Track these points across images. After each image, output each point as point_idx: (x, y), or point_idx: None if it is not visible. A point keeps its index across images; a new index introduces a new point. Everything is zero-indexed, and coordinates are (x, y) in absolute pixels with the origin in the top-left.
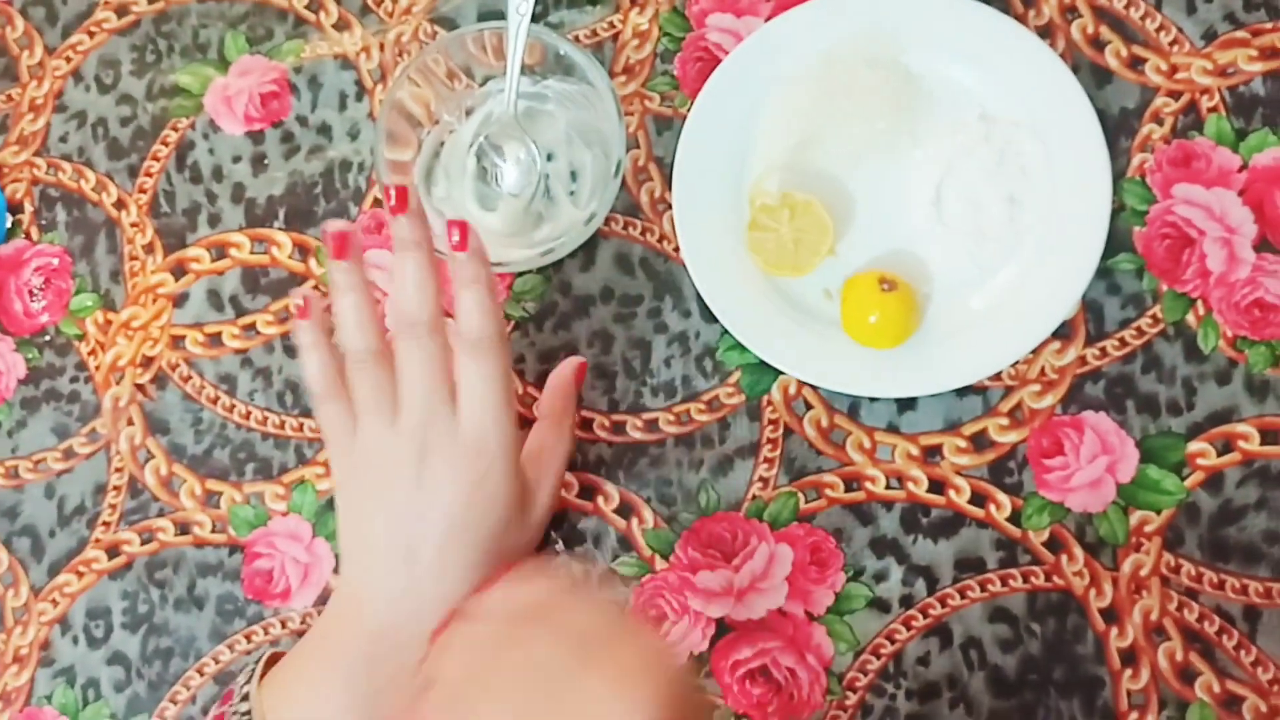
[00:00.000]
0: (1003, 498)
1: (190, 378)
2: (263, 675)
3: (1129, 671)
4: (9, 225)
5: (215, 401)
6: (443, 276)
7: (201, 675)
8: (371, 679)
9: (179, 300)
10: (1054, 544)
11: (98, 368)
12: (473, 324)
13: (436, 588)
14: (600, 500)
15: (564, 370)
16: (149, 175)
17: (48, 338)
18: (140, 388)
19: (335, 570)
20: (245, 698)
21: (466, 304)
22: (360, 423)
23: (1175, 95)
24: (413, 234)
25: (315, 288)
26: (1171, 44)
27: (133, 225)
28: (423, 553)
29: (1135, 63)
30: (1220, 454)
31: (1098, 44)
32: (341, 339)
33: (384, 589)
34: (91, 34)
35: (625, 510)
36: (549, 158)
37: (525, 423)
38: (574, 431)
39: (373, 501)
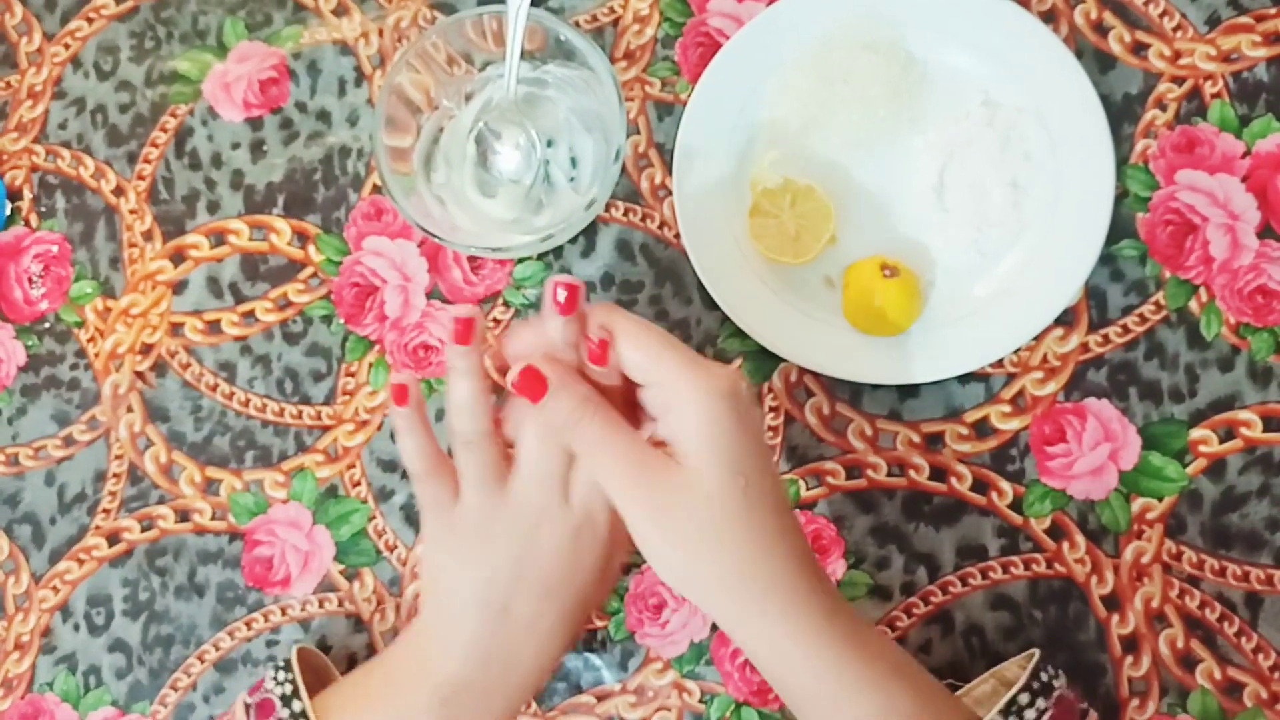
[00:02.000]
0: (1005, 485)
1: (190, 365)
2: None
3: (1130, 658)
4: (8, 212)
5: (215, 389)
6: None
7: (202, 662)
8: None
9: (178, 287)
10: (1056, 531)
11: (97, 355)
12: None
13: (524, 644)
14: None
15: None
16: (148, 162)
17: (47, 325)
18: (140, 375)
19: (335, 559)
20: (302, 714)
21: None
22: (465, 493)
23: (1179, 81)
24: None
25: (314, 274)
26: (1175, 29)
27: (132, 212)
28: (517, 610)
29: (1139, 48)
30: (1222, 441)
31: (1101, 29)
32: (453, 421)
33: (471, 641)
34: (90, 20)
35: None
36: (549, 144)
37: None
38: None
39: (470, 560)
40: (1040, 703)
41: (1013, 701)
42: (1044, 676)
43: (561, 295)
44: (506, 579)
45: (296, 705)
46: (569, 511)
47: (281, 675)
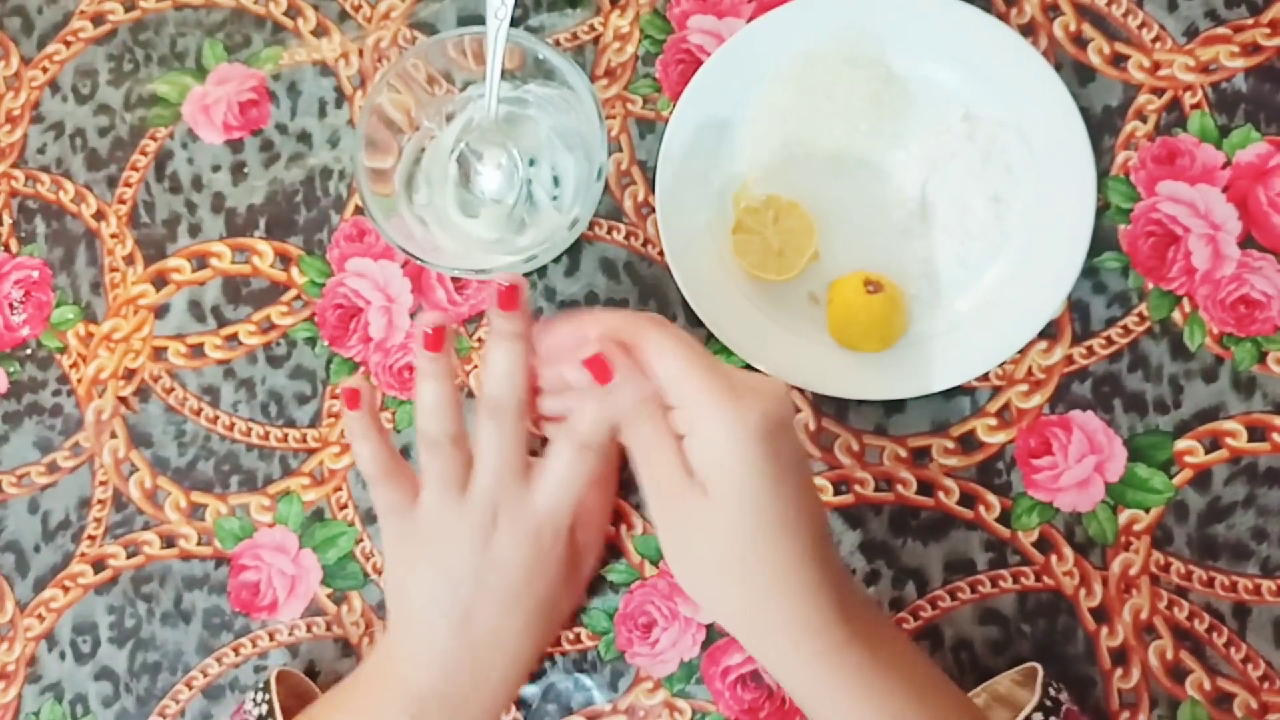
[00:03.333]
0: (992, 498)
1: (173, 389)
2: (285, 709)
3: (1120, 671)
4: None
5: (199, 413)
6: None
7: (190, 689)
8: None
9: (160, 311)
10: (1043, 544)
11: (80, 381)
12: (579, 419)
13: (490, 653)
14: None
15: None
16: (128, 186)
17: (29, 351)
18: (123, 400)
19: (322, 583)
20: None
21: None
22: (425, 495)
23: (1158, 92)
24: (512, 327)
25: (298, 297)
26: (1154, 41)
27: (112, 236)
28: (480, 618)
29: (1118, 60)
30: (1208, 451)
31: (1080, 41)
32: (421, 423)
33: (437, 652)
34: (68, 44)
35: (615, 517)
36: (531, 163)
37: None
38: (615, 493)
39: (430, 566)
40: None
41: None
42: (1051, 692)
43: (504, 294)
44: (468, 587)
45: None
46: (529, 511)
47: (260, 697)
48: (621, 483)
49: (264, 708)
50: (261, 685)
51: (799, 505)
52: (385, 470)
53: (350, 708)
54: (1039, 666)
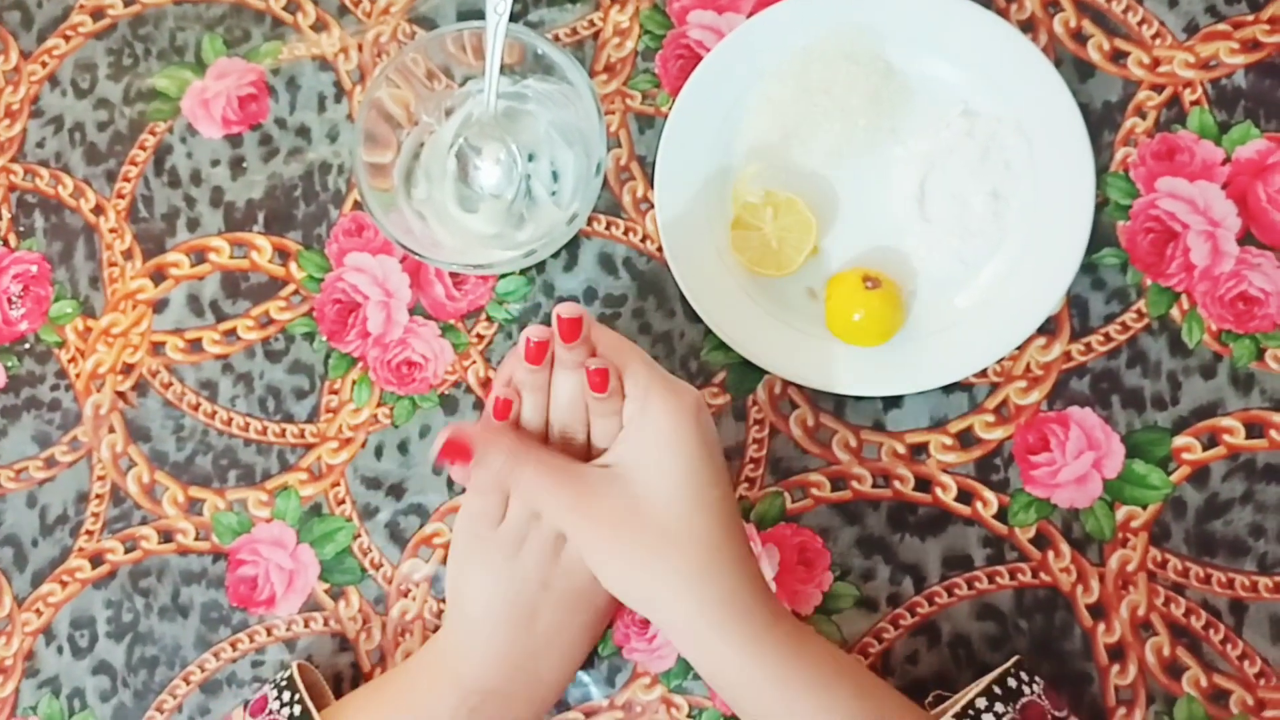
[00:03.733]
0: (989, 495)
1: (171, 384)
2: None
3: (1116, 667)
4: None
5: (197, 408)
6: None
7: (188, 684)
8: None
9: (159, 306)
10: (1041, 540)
11: (78, 375)
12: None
13: (548, 653)
14: None
15: None
16: (127, 180)
17: (27, 345)
18: (121, 395)
19: (320, 577)
20: None
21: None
22: (512, 508)
23: (1158, 89)
24: (576, 358)
25: (296, 292)
26: (1154, 37)
27: (111, 231)
28: (543, 620)
29: (1117, 56)
30: (1206, 448)
31: (1080, 38)
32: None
33: (497, 652)
34: (67, 38)
35: None
36: (530, 158)
37: None
38: None
39: (500, 569)
40: (1000, 707)
41: (970, 705)
42: (1012, 683)
43: (563, 324)
44: (534, 589)
45: None
46: None
47: (287, 696)
48: None
49: (296, 708)
50: (284, 683)
51: (727, 489)
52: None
53: (401, 699)
54: (1016, 658)
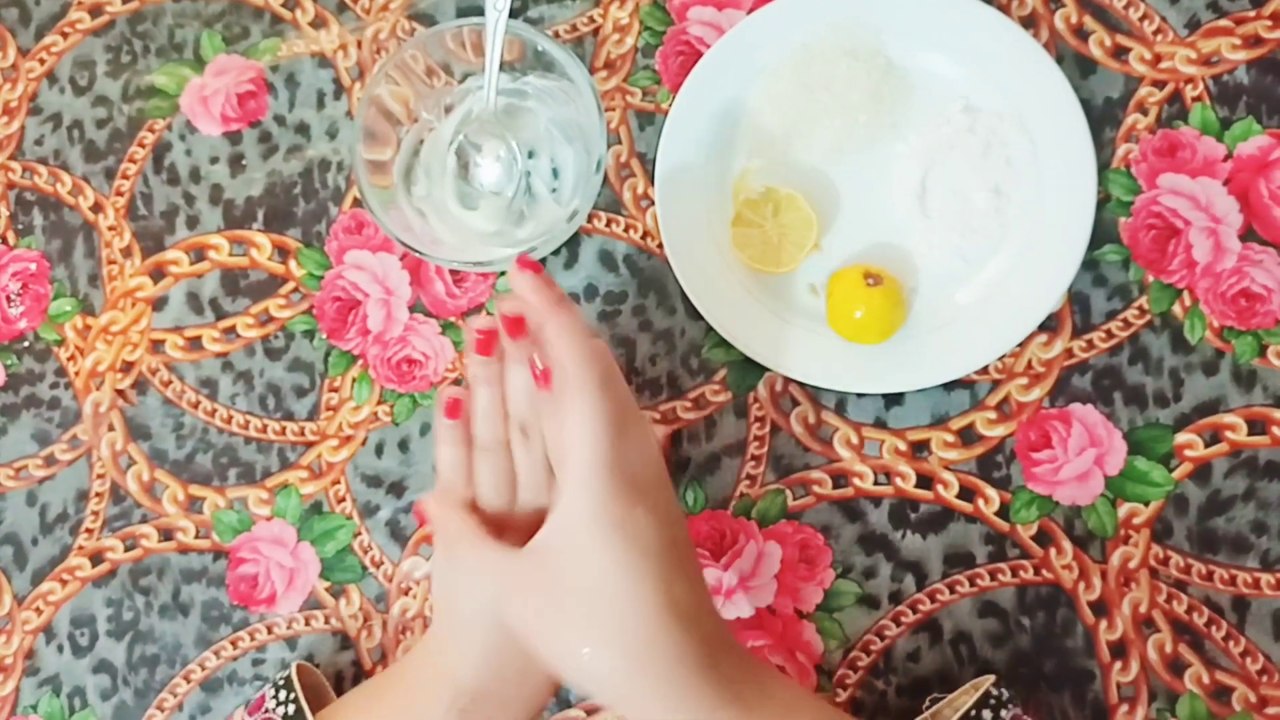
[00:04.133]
0: (991, 492)
1: (171, 382)
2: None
3: (1119, 664)
4: None
5: (196, 406)
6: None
7: (188, 682)
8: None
9: (158, 304)
10: (1043, 537)
11: (77, 373)
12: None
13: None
14: None
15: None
16: (126, 178)
17: (26, 344)
18: (121, 393)
19: (320, 576)
20: None
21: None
22: (481, 498)
23: (1159, 85)
24: (522, 354)
25: (296, 289)
26: (1155, 33)
27: (110, 229)
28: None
29: (1119, 52)
30: (1208, 445)
31: (1081, 34)
32: (475, 428)
33: (489, 650)
34: (65, 35)
35: None
36: (530, 155)
37: None
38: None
39: (484, 571)
40: None
41: None
42: (988, 715)
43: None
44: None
45: None
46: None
47: (283, 695)
48: None
49: (290, 707)
50: (282, 682)
51: (658, 509)
52: (461, 478)
53: (394, 700)
54: (989, 679)
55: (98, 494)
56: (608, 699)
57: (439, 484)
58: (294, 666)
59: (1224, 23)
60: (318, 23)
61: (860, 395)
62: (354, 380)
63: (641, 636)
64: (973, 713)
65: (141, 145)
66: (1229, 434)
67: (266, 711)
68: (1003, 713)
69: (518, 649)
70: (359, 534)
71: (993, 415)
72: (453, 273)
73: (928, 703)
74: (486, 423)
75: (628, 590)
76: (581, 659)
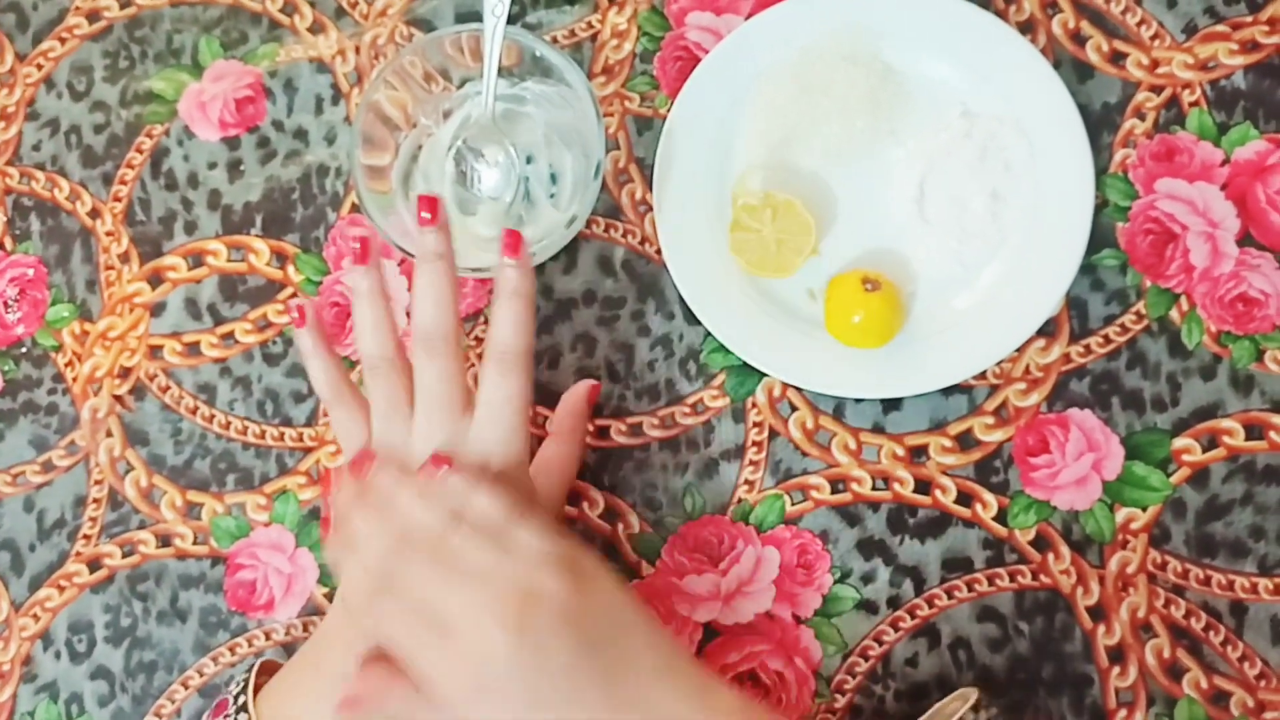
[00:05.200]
0: (989, 497)
1: (169, 388)
2: (256, 687)
3: (1117, 669)
4: None
5: (195, 412)
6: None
7: (186, 689)
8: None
9: (156, 310)
10: (1041, 542)
11: (75, 379)
12: (506, 337)
13: None
14: (585, 506)
15: (578, 390)
16: (124, 183)
17: (24, 349)
18: (118, 399)
19: (319, 582)
20: (243, 708)
21: (503, 316)
22: (374, 429)
23: (1157, 90)
24: (437, 246)
25: (293, 295)
26: (1153, 38)
27: (108, 234)
28: None
29: (1116, 57)
30: (1205, 450)
31: (1079, 39)
32: (360, 344)
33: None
34: (63, 40)
35: (611, 515)
36: (528, 160)
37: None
38: (583, 445)
39: (381, 519)
40: None
41: None
42: None
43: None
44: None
45: (241, 699)
46: (469, 450)
47: (241, 677)
48: (615, 484)
49: (238, 685)
50: (240, 683)
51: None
52: (342, 390)
53: (314, 665)
54: (973, 694)
55: (95, 500)
56: None
57: (324, 402)
58: (259, 661)
59: (1221, 28)
60: (316, 28)
61: (858, 400)
62: None
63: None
64: None
65: (139, 151)
66: (1227, 439)
67: (225, 696)
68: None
69: None
70: None
71: (990, 420)
72: None
73: None
74: (374, 338)
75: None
76: None
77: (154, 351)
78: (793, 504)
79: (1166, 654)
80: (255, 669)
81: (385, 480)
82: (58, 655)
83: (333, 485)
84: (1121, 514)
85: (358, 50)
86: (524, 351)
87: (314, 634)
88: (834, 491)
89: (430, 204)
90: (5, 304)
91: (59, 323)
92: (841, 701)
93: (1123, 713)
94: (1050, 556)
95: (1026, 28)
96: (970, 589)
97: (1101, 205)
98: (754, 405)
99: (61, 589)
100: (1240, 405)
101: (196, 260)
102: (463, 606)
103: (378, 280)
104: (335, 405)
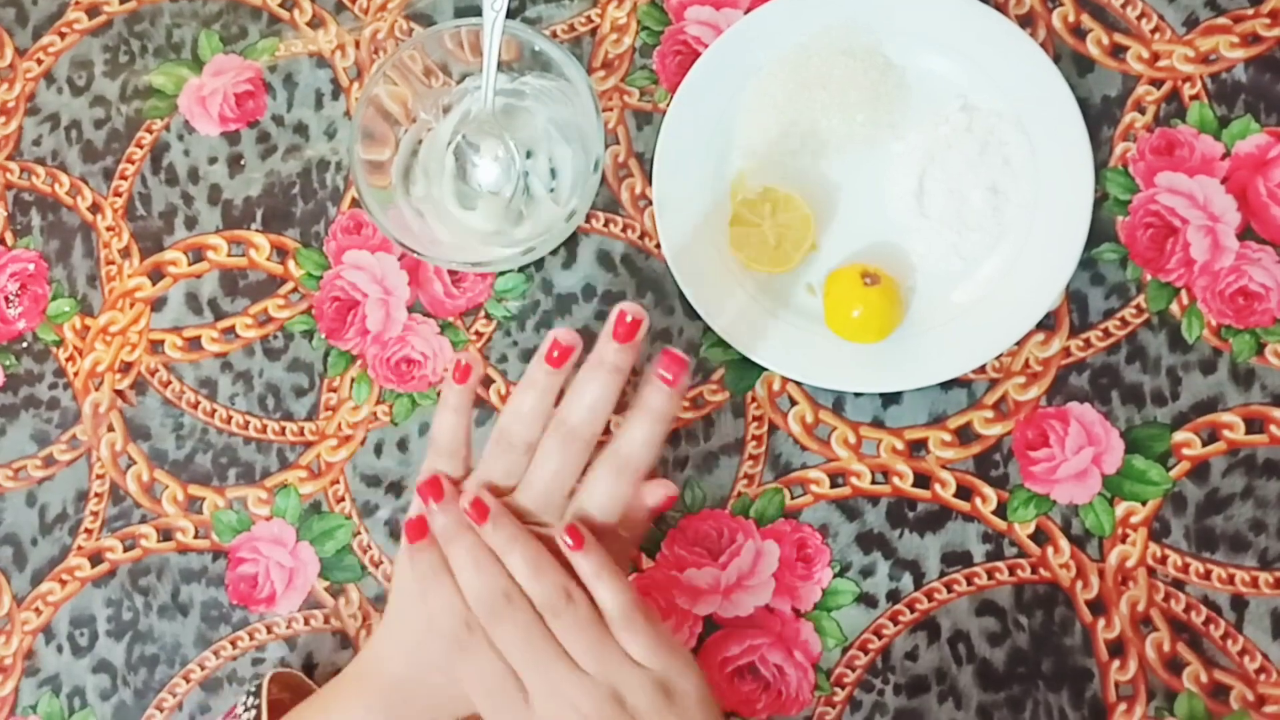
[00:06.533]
0: (988, 491)
1: (170, 382)
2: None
3: (1117, 663)
4: None
5: (196, 406)
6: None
7: (188, 682)
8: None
9: (157, 304)
10: (1040, 536)
11: (76, 374)
12: (633, 451)
13: None
14: None
15: (653, 496)
16: (124, 178)
17: (25, 344)
18: (120, 393)
19: (320, 575)
20: None
21: (638, 431)
22: (470, 483)
23: (1157, 83)
24: (620, 363)
25: (295, 289)
26: (1153, 31)
27: (109, 229)
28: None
29: (1117, 51)
30: (1205, 443)
31: (1079, 32)
32: (507, 423)
33: (418, 646)
34: (63, 35)
35: None
36: (528, 155)
37: None
38: (638, 545)
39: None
40: None
41: None
42: None
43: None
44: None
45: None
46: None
47: (250, 701)
48: None
49: (252, 713)
50: (253, 689)
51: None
52: (455, 448)
53: (335, 701)
54: None
55: (97, 494)
56: None
57: (433, 448)
58: (268, 676)
59: (1222, 21)
60: (316, 22)
61: (858, 394)
62: (353, 380)
63: None
64: None
65: (139, 145)
66: (1227, 432)
67: (235, 716)
68: None
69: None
70: (358, 533)
71: (990, 414)
72: (451, 273)
73: None
74: (523, 423)
75: None
76: None
77: (155, 346)
78: (792, 498)
79: (1166, 648)
80: (265, 692)
81: (504, 535)
82: (60, 649)
83: (442, 498)
84: (1121, 508)
85: (357, 45)
86: (644, 469)
87: (329, 686)
88: (833, 485)
89: (630, 327)
90: (6, 299)
91: (60, 318)
92: (841, 695)
93: (1123, 707)
94: (1050, 550)
95: (1026, 21)
96: (970, 583)
97: (1101, 199)
98: (753, 399)
99: (63, 583)
100: (1240, 399)
101: (197, 255)
102: (552, 687)
103: (557, 383)
104: (441, 459)
